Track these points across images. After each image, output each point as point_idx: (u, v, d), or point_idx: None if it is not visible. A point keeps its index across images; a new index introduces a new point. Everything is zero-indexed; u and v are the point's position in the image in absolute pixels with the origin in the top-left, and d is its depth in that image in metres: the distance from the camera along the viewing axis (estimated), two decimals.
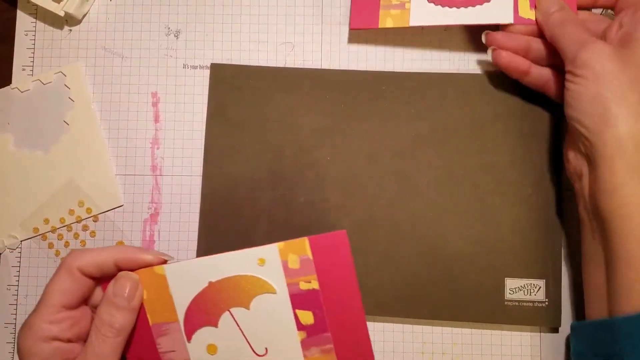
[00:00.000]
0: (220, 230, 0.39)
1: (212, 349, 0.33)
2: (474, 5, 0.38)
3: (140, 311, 0.33)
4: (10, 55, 0.42)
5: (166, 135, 0.41)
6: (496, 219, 0.38)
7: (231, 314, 0.32)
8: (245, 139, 0.40)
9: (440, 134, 0.39)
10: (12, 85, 0.41)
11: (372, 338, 0.39)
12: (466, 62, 0.41)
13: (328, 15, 0.42)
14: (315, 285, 0.32)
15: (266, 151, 0.40)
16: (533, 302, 0.38)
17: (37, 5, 0.41)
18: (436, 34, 0.41)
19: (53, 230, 0.40)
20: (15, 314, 0.40)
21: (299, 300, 0.32)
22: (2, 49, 0.42)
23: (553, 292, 0.38)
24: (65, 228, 0.40)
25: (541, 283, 0.38)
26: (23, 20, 0.42)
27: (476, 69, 0.41)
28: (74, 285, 0.31)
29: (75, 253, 0.32)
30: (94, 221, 0.40)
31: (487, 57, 0.38)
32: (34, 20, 0.42)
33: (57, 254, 0.40)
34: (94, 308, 0.33)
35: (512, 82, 0.39)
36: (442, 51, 0.41)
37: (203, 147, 0.40)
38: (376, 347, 0.38)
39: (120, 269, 0.32)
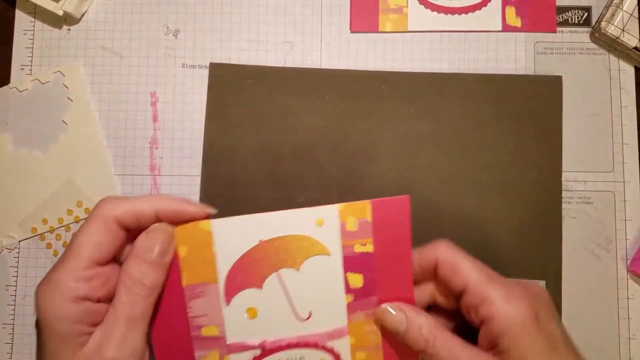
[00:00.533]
0: None
1: (252, 312, 0.30)
2: (466, 13, 0.41)
3: (172, 271, 0.29)
4: (9, 55, 0.42)
5: (165, 135, 0.41)
6: (496, 219, 0.38)
7: (279, 276, 0.30)
8: (245, 138, 0.40)
9: (440, 134, 0.39)
10: (10, 85, 0.41)
11: None
12: (466, 62, 0.41)
13: (328, 15, 0.41)
14: (370, 248, 0.30)
15: (266, 151, 0.40)
16: None
17: (35, 4, 0.41)
18: (436, 34, 0.41)
19: (51, 231, 0.40)
20: (14, 315, 0.40)
21: (351, 263, 0.30)
22: (0, 49, 0.42)
23: (553, 292, 0.38)
24: (63, 228, 0.40)
25: (541, 283, 0.38)
26: (22, 20, 0.42)
27: (476, 69, 0.41)
28: (108, 237, 0.27)
29: (111, 201, 0.28)
30: None
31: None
32: (33, 19, 0.42)
33: (55, 254, 0.40)
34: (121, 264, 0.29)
35: (513, 83, 0.39)
36: (442, 51, 0.41)
37: (202, 146, 0.40)
38: None
39: (159, 221, 0.28)
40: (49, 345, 0.26)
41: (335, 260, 0.30)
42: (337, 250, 0.30)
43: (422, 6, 0.41)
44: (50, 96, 0.41)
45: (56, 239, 0.40)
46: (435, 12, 0.41)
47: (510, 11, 0.41)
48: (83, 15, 0.42)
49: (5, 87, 0.41)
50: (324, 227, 0.30)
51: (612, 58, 0.40)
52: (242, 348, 0.30)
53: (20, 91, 0.41)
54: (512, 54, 0.41)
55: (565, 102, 0.40)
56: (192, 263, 0.30)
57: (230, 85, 0.40)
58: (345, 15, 0.41)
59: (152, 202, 0.28)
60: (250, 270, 0.30)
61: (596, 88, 0.40)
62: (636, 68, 0.40)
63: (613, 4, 0.39)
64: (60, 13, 0.40)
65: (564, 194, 0.39)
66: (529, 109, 0.39)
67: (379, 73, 0.40)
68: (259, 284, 0.30)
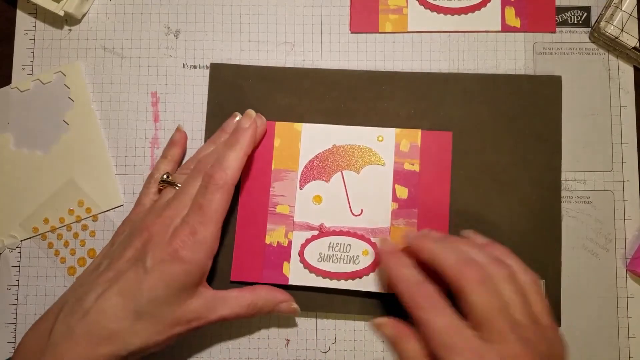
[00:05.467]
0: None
1: (317, 199, 0.38)
2: (466, 13, 0.41)
3: (266, 156, 0.38)
4: (10, 55, 0.42)
5: (166, 135, 0.41)
6: (496, 219, 0.38)
7: (342, 175, 0.38)
8: None
9: None
10: (11, 85, 0.41)
11: (371, 338, 0.39)
12: (466, 62, 0.41)
13: (328, 15, 0.42)
14: (416, 168, 0.38)
15: None
16: None
17: (36, 4, 0.41)
18: (436, 34, 0.41)
19: (53, 230, 0.40)
20: (16, 314, 0.40)
21: (400, 176, 0.38)
22: (1, 49, 0.42)
23: (553, 292, 0.38)
24: (64, 228, 0.40)
25: (541, 283, 0.38)
26: (23, 20, 0.42)
27: (476, 69, 0.41)
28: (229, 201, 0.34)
29: (222, 168, 0.33)
30: (94, 221, 0.40)
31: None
32: (34, 19, 0.42)
33: (57, 253, 0.40)
34: None
35: (512, 82, 0.39)
36: (442, 51, 0.41)
37: None
38: (376, 347, 0.39)
39: None
40: (171, 288, 0.32)
41: (388, 171, 0.38)
42: (390, 163, 0.38)
43: (422, 6, 0.41)
44: (52, 96, 0.41)
45: (57, 239, 0.40)
46: (435, 13, 0.41)
47: (510, 11, 0.41)
48: (84, 15, 0.42)
49: (6, 87, 0.41)
50: (383, 143, 0.38)
51: (612, 58, 0.40)
52: (305, 227, 0.38)
53: (21, 91, 0.41)
54: (511, 54, 0.41)
55: (565, 101, 0.40)
56: (282, 152, 0.39)
57: (230, 86, 0.40)
58: (345, 15, 0.41)
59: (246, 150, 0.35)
60: (322, 166, 0.38)
61: (595, 88, 0.40)
62: (635, 68, 0.40)
63: (612, 4, 0.39)
64: (61, 13, 0.40)
65: (563, 193, 0.39)
66: (528, 109, 0.39)
67: (379, 73, 0.40)
68: (326, 178, 0.38)
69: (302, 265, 0.37)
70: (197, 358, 0.39)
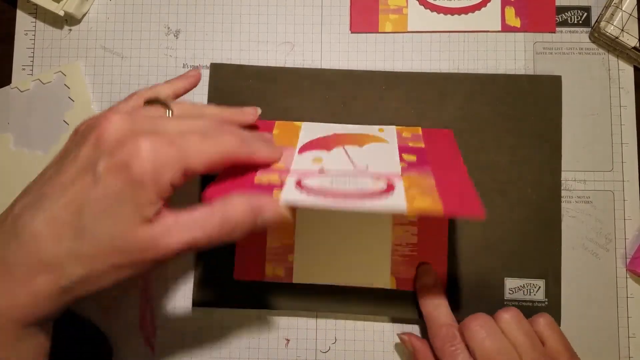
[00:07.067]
0: None
1: (317, 160, 0.32)
2: (466, 13, 0.41)
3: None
4: (10, 55, 0.42)
5: None
6: (496, 219, 0.38)
7: (344, 149, 0.34)
8: None
9: None
10: (12, 85, 0.41)
11: (371, 338, 0.39)
12: (466, 62, 0.41)
13: (328, 15, 0.42)
14: (421, 145, 0.35)
15: None
16: (532, 302, 0.38)
17: (36, 4, 0.41)
18: (436, 34, 0.41)
19: None
20: None
21: (405, 149, 0.34)
22: (1, 49, 0.42)
23: (553, 292, 0.38)
24: None
25: (541, 283, 0.38)
26: (23, 20, 0.42)
27: (476, 69, 0.41)
28: None
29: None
30: None
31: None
32: (34, 19, 0.42)
33: None
34: None
35: (512, 82, 0.39)
36: (442, 51, 0.41)
37: None
38: (375, 347, 0.39)
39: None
40: (123, 203, 0.25)
41: (393, 147, 0.35)
42: (394, 142, 0.35)
43: (422, 6, 0.41)
44: (52, 96, 0.41)
45: None
46: (435, 13, 0.41)
47: (510, 11, 0.41)
48: (84, 15, 0.42)
49: (6, 87, 0.41)
50: (385, 132, 0.37)
51: (612, 58, 0.40)
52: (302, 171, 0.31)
53: (21, 91, 0.41)
54: (511, 54, 0.41)
55: (565, 101, 0.40)
56: (280, 135, 0.36)
57: (230, 85, 0.40)
58: (345, 15, 0.41)
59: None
60: (322, 143, 0.35)
61: (595, 88, 0.40)
62: (635, 68, 0.40)
63: (612, 4, 0.39)
64: (62, 13, 0.40)
65: (563, 193, 0.39)
66: (528, 109, 0.39)
67: (379, 73, 0.40)
68: (327, 149, 0.34)
69: (298, 190, 0.29)
70: (197, 358, 0.39)
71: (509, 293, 0.38)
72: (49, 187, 0.26)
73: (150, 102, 0.30)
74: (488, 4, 0.41)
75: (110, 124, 0.26)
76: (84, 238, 0.25)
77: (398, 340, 0.39)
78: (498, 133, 0.39)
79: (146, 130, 0.26)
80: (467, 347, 0.33)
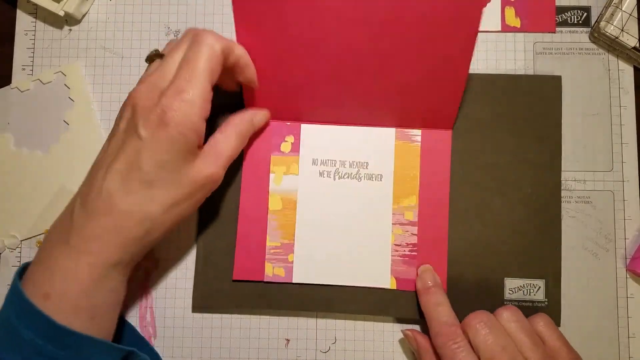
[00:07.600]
0: (221, 231, 0.39)
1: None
2: None
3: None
4: (10, 55, 0.42)
5: None
6: (496, 219, 0.38)
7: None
8: None
9: None
10: (12, 85, 0.41)
11: (372, 338, 0.39)
12: None
13: None
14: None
15: None
16: (532, 302, 0.38)
17: (36, 4, 0.41)
18: None
19: None
20: None
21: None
22: (2, 49, 0.42)
23: (553, 292, 0.38)
24: None
25: (541, 283, 0.38)
26: (23, 20, 0.42)
27: (476, 69, 0.41)
28: (218, 66, 0.32)
29: (213, 35, 0.32)
30: None
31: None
32: (34, 20, 0.42)
33: None
34: None
35: (512, 82, 0.39)
36: None
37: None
38: (376, 347, 0.39)
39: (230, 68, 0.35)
40: (171, 152, 0.31)
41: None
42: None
43: None
44: (52, 96, 0.41)
45: None
46: None
47: (510, 11, 0.41)
48: (84, 15, 0.42)
49: (6, 87, 0.41)
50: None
51: (611, 58, 0.40)
52: None
53: (21, 91, 0.41)
54: (511, 54, 0.41)
55: (565, 101, 0.40)
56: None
57: None
58: None
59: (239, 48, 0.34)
60: None
61: (595, 88, 0.40)
62: (635, 68, 0.40)
63: (612, 4, 0.39)
64: (62, 13, 0.40)
65: (563, 193, 0.39)
66: (528, 109, 0.39)
67: None
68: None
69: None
70: (197, 358, 0.39)
71: (509, 293, 0.38)
72: (108, 155, 0.32)
73: (151, 59, 0.34)
74: (488, 4, 0.41)
75: (138, 92, 0.31)
76: (153, 186, 0.31)
77: (398, 341, 0.39)
78: (498, 133, 0.39)
79: (166, 89, 0.31)
80: (470, 344, 0.33)
